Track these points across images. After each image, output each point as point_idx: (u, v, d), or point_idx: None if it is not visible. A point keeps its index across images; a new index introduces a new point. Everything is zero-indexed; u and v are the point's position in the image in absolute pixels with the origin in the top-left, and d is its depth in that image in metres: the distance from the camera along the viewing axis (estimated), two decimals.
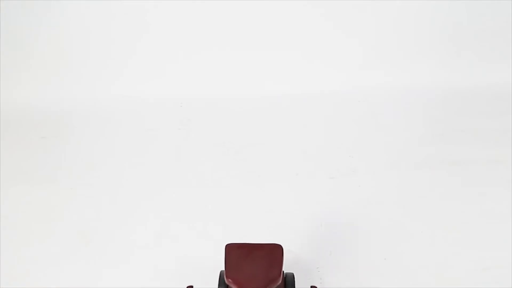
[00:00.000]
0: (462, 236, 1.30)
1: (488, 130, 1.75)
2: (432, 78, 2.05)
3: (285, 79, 2.05)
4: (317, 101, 1.98)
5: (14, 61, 2.01)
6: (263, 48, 2.05)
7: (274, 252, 1.02)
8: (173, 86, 2.02)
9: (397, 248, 1.27)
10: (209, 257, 1.25)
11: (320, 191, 1.47)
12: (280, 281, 1.00)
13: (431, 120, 1.84)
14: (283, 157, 1.61)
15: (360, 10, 2.01)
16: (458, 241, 1.29)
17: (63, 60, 2.04)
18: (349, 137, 1.74)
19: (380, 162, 1.61)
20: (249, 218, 1.38)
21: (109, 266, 1.24)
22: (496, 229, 1.32)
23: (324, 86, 2.03)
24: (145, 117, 1.91)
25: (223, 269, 1.03)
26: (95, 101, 1.97)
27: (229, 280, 0.99)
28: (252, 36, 2.04)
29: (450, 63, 2.07)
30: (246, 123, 1.86)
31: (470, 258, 1.24)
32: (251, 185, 1.51)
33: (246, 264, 1.00)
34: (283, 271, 1.06)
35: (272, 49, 2.05)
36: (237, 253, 1.03)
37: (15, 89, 1.99)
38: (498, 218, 1.36)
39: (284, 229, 1.33)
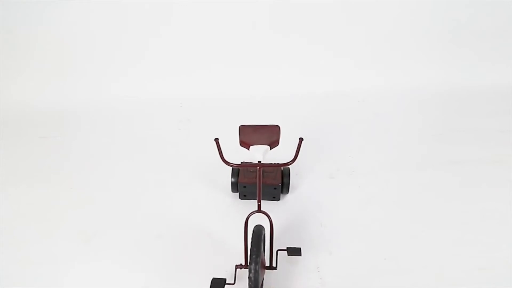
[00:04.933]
0: (461, 236, 1.30)
1: (488, 130, 1.75)
2: (432, 78, 2.06)
3: (285, 79, 2.05)
4: (317, 101, 1.98)
5: (14, 61, 2.01)
6: (263, 48, 2.06)
7: (273, 128, 1.40)
8: (173, 86, 2.02)
9: (397, 248, 1.27)
10: (208, 257, 1.25)
11: (320, 191, 1.47)
12: (278, 144, 1.33)
13: (431, 120, 1.84)
14: (283, 157, 1.61)
15: (361, 11, 2.02)
16: (457, 241, 1.29)
17: (64, 61, 2.04)
18: (349, 137, 1.75)
19: (380, 162, 1.61)
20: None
21: (109, 265, 1.24)
22: (496, 229, 1.32)
23: (324, 86, 2.03)
24: (145, 117, 1.91)
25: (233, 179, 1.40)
26: (96, 101, 1.97)
27: (242, 142, 1.34)
28: (252, 36, 2.04)
29: (450, 63, 2.07)
30: (246, 123, 1.85)
31: (469, 258, 1.24)
32: None
33: (254, 134, 1.37)
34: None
35: (273, 49, 2.06)
36: (247, 129, 1.40)
37: (15, 89, 1.99)
38: (498, 218, 1.36)
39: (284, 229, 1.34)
